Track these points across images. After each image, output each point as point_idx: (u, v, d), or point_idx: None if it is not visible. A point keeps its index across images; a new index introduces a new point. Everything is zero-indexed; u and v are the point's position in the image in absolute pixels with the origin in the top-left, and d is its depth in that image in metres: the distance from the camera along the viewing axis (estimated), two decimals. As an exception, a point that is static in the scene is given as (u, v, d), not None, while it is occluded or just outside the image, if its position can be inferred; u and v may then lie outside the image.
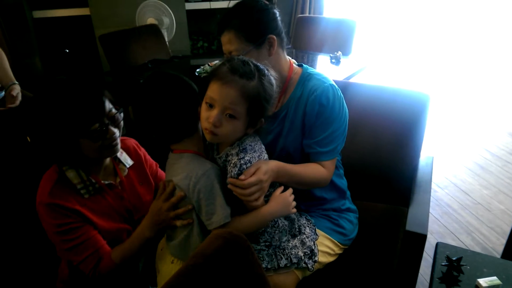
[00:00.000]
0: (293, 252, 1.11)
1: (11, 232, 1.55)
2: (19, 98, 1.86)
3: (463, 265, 1.08)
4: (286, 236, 1.14)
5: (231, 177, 0.99)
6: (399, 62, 4.97)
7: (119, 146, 1.14)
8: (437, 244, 1.17)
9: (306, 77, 1.22)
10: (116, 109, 1.11)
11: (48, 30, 3.81)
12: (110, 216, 1.18)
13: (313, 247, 1.16)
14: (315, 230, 1.22)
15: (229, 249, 0.75)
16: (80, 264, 1.11)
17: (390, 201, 1.59)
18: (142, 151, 1.35)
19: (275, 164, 1.06)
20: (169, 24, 3.44)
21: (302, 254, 1.12)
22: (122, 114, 1.13)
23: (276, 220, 1.11)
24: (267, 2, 1.19)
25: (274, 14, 1.18)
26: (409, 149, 1.54)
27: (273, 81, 1.02)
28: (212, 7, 3.97)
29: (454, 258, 1.08)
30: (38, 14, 3.67)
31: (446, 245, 1.16)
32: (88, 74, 1.13)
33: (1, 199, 1.57)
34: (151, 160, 1.39)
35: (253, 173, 0.97)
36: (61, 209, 1.06)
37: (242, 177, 0.97)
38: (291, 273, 1.12)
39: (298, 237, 1.16)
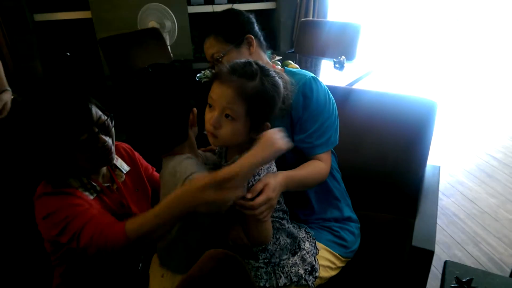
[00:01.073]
0: (293, 270, 1.06)
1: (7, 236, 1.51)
2: (7, 108, 1.81)
3: (474, 287, 1.02)
4: (286, 254, 1.09)
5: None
6: (404, 67, 4.92)
7: (113, 154, 1.10)
8: (445, 263, 1.12)
9: (288, 74, 1.18)
10: (106, 115, 1.06)
11: (49, 33, 3.79)
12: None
13: (314, 263, 1.11)
14: (315, 244, 1.17)
15: (223, 270, 0.70)
16: (80, 239, 0.95)
17: (394, 212, 1.54)
18: (136, 155, 1.32)
19: (282, 176, 1.01)
20: (171, 28, 3.40)
21: (302, 272, 1.07)
22: (112, 121, 1.08)
23: (278, 237, 1.06)
24: (242, 11, 1.28)
25: (250, 17, 1.26)
26: (415, 158, 1.48)
27: (279, 83, 0.98)
28: (215, 10, 3.94)
29: (464, 280, 1.02)
30: (39, 17, 3.65)
31: (455, 264, 1.10)
32: (73, 81, 1.08)
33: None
34: (146, 163, 1.35)
35: (262, 190, 0.92)
36: (66, 194, 1.01)
37: (249, 195, 0.91)
38: None
39: (298, 254, 1.11)
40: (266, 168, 0.99)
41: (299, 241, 1.14)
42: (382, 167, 1.54)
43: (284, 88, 1.01)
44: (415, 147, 1.49)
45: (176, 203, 0.87)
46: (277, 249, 1.06)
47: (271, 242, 1.05)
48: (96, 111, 1.03)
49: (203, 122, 0.99)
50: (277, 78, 0.98)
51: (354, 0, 4.48)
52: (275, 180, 0.97)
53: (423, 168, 1.50)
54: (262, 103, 0.94)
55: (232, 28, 1.21)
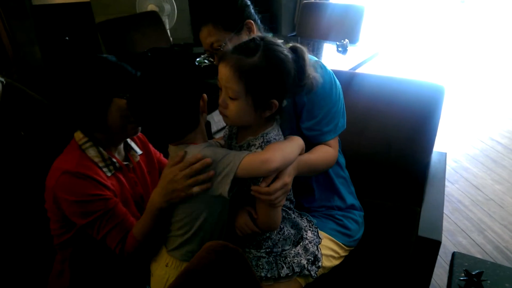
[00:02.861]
0: (296, 261, 1.03)
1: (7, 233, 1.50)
2: None
3: (484, 280, 0.98)
4: (289, 245, 1.06)
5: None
6: (408, 50, 4.83)
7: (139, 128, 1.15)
8: (453, 255, 1.09)
9: None
10: None
11: (47, 17, 3.71)
12: (127, 200, 1.16)
13: (316, 252, 1.08)
14: (318, 233, 1.14)
15: (222, 263, 0.67)
16: (106, 238, 1.06)
17: (400, 200, 1.50)
18: (145, 141, 1.34)
19: (295, 161, 0.99)
20: (170, 11, 3.33)
21: (305, 262, 1.04)
22: None
23: (282, 227, 1.04)
24: None
25: (245, 1, 1.19)
26: (422, 144, 1.44)
27: (284, 58, 0.92)
28: (215, -7, 3.85)
29: (473, 273, 0.99)
30: (37, 1, 3.58)
31: (463, 256, 1.07)
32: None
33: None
34: (154, 149, 1.37)
35: (276, 175, 0.93)
36: (91, 179, 1.04)
37: (263, 184, 0.91)
38: (293, 281, 1.05)
39: (301, 244, 1.08)
40: None
41: (301, 230, 1.12)
42: (387, 154, 1.50)
43: (299, 64, 0.96)
44: (421, 133, 1.45)
45: (159, 194, 0.98)
46: (281, 239, 1.04)
47: (275, 231, 1.04)
48: None
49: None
50: (283, 53, 0.93)
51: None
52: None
53: (429, 154, 1.46)
54: (262, 80, 0.90)
55: (231, 15, 1.15)
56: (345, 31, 2.96)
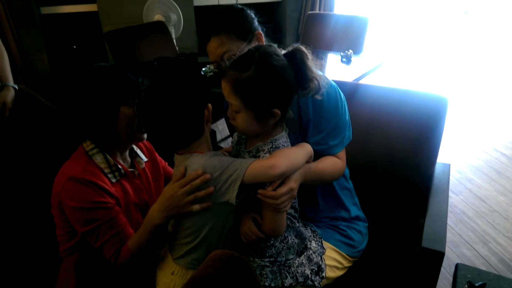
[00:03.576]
0: (300, 270, 1.04)
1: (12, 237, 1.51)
2: (8, 106, 1.79)
3: (487, 291, 0.99)
4: (293, 254, 1.07)
5: None
6: (412, 61, 4.85)
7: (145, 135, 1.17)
8: (456, 266, 1.09)
9: None
10: None
11: (55, 26, 3.77)
12: (131, 206, 1.17)
13: (320, 263, 1.09)
14: (322, 243, 1.15)
15: (228, 272, 0.68)
16: (103, 247, 1.08)
17: (403, 211, 1.51)
18: (151, 149, 1.37)
19: (301, 167, 1.01)
20: (176, 21, 3.37)
21: (309, 272, 1.05)
22: None
23: (286, 236, 1.05)
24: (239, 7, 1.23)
25: (252, 14, 1.21)
26: (425, 155, 1.45)
27: (279, 68, 0.93)
28: (220, 3, 3.91)
29: (477, 284, 1.00)
30: (46, 10, 3.64)
31: (467, 267, 1.08)
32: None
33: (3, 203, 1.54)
34: (159, 157, 1.39)
35: (283, 180, 0.95)
36: (96, 186, 1.05)
37: (269, 188, 0.94)
38: None
39: (305, 254, 1.09)
40: None
41: (306, 240, 1.12)
42: (390, 164, 1.51)
43: (298, 69, 0.97)
44: (425, 144, 1.46)
45: (157, 210, 1.00)
46: (284, 248, 1.05)
47: (279, 239, 1.05)
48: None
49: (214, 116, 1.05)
50: (279, 62, 0.94)
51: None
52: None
53: (433, 166, 1.47)
54: (257, 93, 0.93)
55: (244, 24, 1.16)
56: (349, 41, 2.99)
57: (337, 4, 4.15)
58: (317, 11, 4.01)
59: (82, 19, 3.77)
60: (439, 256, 1.00)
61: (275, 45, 1.10)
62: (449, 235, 2.11)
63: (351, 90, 1.58)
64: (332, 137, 1.12)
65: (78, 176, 1.04)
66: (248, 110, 0.94)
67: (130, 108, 1.08)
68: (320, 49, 3.09)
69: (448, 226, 2.16)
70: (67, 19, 3.77)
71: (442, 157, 1.47)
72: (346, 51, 2.58)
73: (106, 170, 1.11)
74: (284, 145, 1.01)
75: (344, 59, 2.58)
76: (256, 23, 1.20)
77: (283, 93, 0.95)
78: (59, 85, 3.74)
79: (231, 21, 1.15)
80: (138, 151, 1.26)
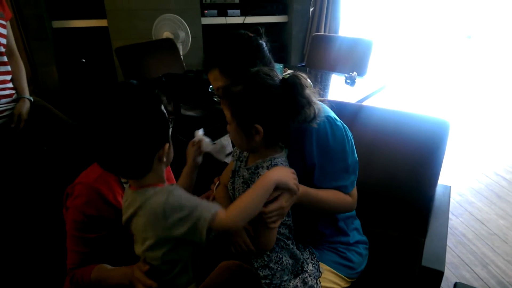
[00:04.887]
0: None
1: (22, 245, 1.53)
2: (24, 118, 1.85)
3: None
4: (288, 275, 1.08)
5: None
6: (415, 84, 4.92)
7: None
8: (455, 285, 1.11)
9: None
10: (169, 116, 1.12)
11: (66, 40, 3.87)
12: None
13: (315, 286, 1.09)
14: (319, 267, 1.15)
15: (236, 281, 0.71)
16: (72, 253, 1.11)
17: (403, 230, 1.53)
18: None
19: (301, 188, 1.03)
20: (184, 38, 3.46)
21: None
22: (171, 123, 1.13)
23: (281, 257, 1.07)
24: (251, 35, 1.17)
25: (259, 46, 1.16)
26: (426, 178, 1.48)
27: (266, 87, 0.97)
28: (228, 22, 4.00)
29: (474, 302, 1.02)
30: (57, 24, 3.73)
31: (465, 286, 1.10)
32: (149, 81, 1.14)
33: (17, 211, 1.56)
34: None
35: (276, 197, 0.96)
36: (101, 198, 1.08)
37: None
38: None
39: (300, 276, 1.10)
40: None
41: (302, 263, 1.13)
42: (392, 185, 1.53)
43: (289, 94, 0.98)
44: (426, 166, 1.48)
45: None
46: (279, 269, 1.06)
47: (274, 261, 1.06)
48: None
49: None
50: (268, 82, 0.98)
51: (366, 16, 4.51)
52: None
53: (434, 188, 1.49)
54: (242, 105, 0.99)
55: (238, 63, 1.11)
56: (354, 63, 3.05)
57: (342, 26, 4.25)
58: (322, 33, 4.11)
59: (92, 34, 3.87)
60: (439, 275, 1.02)
61: (281, 66, 1.13)
62: (449, 256, 2.12)
63: (355, 112, 1.62)
64: (341, 178, 1.11)
65: (90, 182, 1.09)
66: (234, 121, 1.01)
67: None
68: (325, 69, 3.16)
69: (448, 248, 2.18)
70: (77, 34, 3.86)
71: (443, 179, 1.50)
72: (351, 73, 2.64)
73: (123, 180, 1.15)
74: (283, 164, 1.04)
75: (348, 81, 2.63)
76: (261, 55, 1.15)
77: (266, 110, 0.98)
78: (69, 97, 3.80)
79: (227, 58, 1.13)
80: None
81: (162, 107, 0.92)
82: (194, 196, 0.93)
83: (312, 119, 1.00)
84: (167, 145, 0.93)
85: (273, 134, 1.02)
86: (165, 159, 0.94)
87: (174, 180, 1.42)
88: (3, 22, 1.79)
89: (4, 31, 1.79)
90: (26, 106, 1.87)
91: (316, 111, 1.00)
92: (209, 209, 0.88)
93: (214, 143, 1.20)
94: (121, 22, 3.67)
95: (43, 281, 1.46)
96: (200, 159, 1.20)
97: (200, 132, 1.20)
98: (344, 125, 1.14)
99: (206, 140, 1.19)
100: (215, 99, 1.27)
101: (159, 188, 0.93)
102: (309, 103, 0.99)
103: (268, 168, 1.02)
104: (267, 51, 1.18)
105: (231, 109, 1.00)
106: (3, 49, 1.79)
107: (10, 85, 1.86)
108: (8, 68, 1.84)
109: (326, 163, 1.09)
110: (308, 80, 1.04)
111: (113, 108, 0.86)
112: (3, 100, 1.80)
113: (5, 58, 1.81)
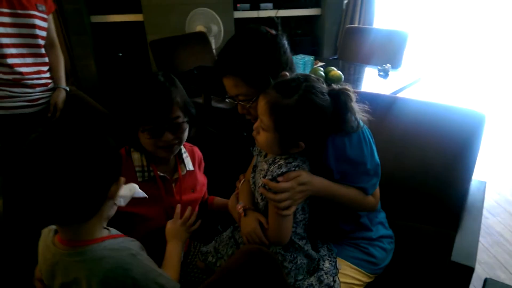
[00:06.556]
0: None
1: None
2: (59, 107, 1.94)
3: (515, 306, 0.97)
4: (302, 274, 1.07)
5: (272, 176, 0.96)
6: (452, 77, 4.73)
7: (175, 150, 1.20)
8: (485, 280, 1.07)
9: None
10: (185, 118, 1.15)
11: (103, 34, 4.00)
12: (154, 204, 1.20)
13: (332, 283, 1.06)
14: (336, 264, 1.11)
15: (256, 266, 0.72)
16: None
17: (434, 224, 1.49)
18: (202, 166, 1.42)
19: (319, 181, 1.01)
20: (217, 32, 3.49)
21: None
22: (187, 124, 1.17)
23: (295, 256, 1.07)
24: (273, 33, 1.08)
25: (280, 48, 1.07)
26: (460, 172, 1.43)
27: (320, 107, 0.93)
28: (260, 15, 4.00)
29: (505, 298, 0.98)
30: (96, 19, 3.86)
31: (496, 283, 1.06)
32: (172, 79, 1.15)
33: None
34: (203, 176, 1.44)
35: (292, 179, 0.95)
36: None
37: (280, 178, 0.96)
38: None
39: (316, 274, 1.08)
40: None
41: (319, 260, 1.11)
42: (424, 179, 1.49)
43: (338, 110, 0.96)
44: (460, 160, 1.44)
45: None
46: (293, 268, 1.05)
47: (288, 260, 1.05)
48: (175, 110, 1.11)
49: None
50: (321, 99, 0.94)
51: (402, 7, 4.37)
52: (310, 178, 0.99)
53: (468, 183, 1.44)
54: (292, 122, 0.94)
55: (261, 71, 1.04)
56: (388, 56, 2.97)
57: (376, 18, 4.15)
58: (356, 25, 4.03)
59: (128, 28, 3.98)
60: (469, 271, 0.99)
61: (312, 58, 1.10)
62: (484, 256, 2.04)
63: (388, 104, 1.59)
64: (361, 182, 1.06)
65: None
66: (276, 133, 0.96)
67: (143, 133, 1.11)
68: (358, 62, 3.10)
69: (483, 247, 2.10)
70: (114, 28, 3.99)
71: (480, 175, 1.44)
72: (384, 65, 2.58)
73: (137, 168, 1.19)
74: (302, 159, 1.02)
75: (381, 73, 2.58)
76: (281, 61, 1.07)
77: (314, 131, 0.97)
78: (106, 90, 3.94)
79: (247, 66, 1.04)
80: (187, 160, 1.31)
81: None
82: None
83: (351, 131, 1.00)
84: (121, 179, 0.83)
85: (312, 148, 1.00)
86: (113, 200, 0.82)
87: (206, 184, 1.42)
88: (45, 16, 1.88)
89: (44, 24, 1.88)
90: (61, 95, 1.96)
91: (356, 126, 0.99)
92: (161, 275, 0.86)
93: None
94: (156, 16, 3.75)
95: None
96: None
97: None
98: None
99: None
100: (227, 100, 1.19)
101: (107, 246, 0.78)
102: (355, 118, 0.99)
103: (286, 159, 0.98)
104: (288, 46, 1.11)
105: (275, 123, 0.95)
106: (41, 42, 1.87)
107: (46, 75, 1.94)
108: (45, 59, 1.92)
109: (345, 169, 1.04)
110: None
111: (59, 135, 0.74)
112: (38, 89, 1.88)
113: (42, 50, 1.90)
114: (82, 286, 0.77)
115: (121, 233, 0.91)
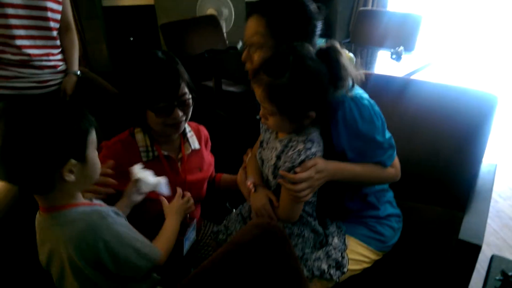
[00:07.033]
0: (316, 265, 1.06)
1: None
2: (68, 92, 1.95)
3: (520, 281, 0.98)
4: (309, 248, 1.09)
5: (293, 164, 0.97)
6: (465, 61, 4.64)
7: (182, 127, 1.22)
8: (492, 257, 1.08)
9: None
10: (191, 94, 1.18)
11: (115, 18, 4.01)
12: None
13: (340, 259, 1.08)
14: (344, 240, 1.13)
15: (265, 239, 0.74)
16: None
17: (444, 205, 1.49)
18: (209, 145, 1.44)
19: (333, 166, 1.02)
20: (228, 15, 3.48)
21: (326, 267, 1.06)
22: (193, 101, 1.20)
23: (302, 229, 1.08)
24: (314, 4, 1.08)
25: (311, 15, 1.06)
26: (471, 154, 1.42)
27: (315, 72, 0.92)
28: (272, -1, 3.95)
29: (510, 273, 0.99)
30: (107, 2, 3.88)
31: (502, 259, 1.07)
32: (173, 57, 1.17)
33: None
34: (211, 155, 1.46)
35: (309, 168, 0.96)
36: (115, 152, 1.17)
37: (298, 169, 0.96)
38: (313, 283, 1.07)
39: (324, 249, 1.10)
40: (320, 150, 1.01)
41: (327, 236, 1.13)
42: (434, 161, 1.49)
43: (332, 69, 0.95)
44: (471, 142, 1.43)
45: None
46: (300, 241, 1.07)
47: (295, 233, 1.07)
48: (184, 88, 1.14)
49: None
50: (313, 67, 0.92)
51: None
52: (325, 164, 0.99)
53: (478, 165, 1.44)
54: (294, 100, 0.93)
55: (288, 27, 1.03)
56: (401, 39, 2.93)
57: (390, 1, 4.07)
58: (369, 8, 3.96)
59: (139, 12, 3.99)
60: (475, 249, 1.00)
61: (323, 40, 1.08)
62: (493, 238, 2.04)
63: (400, 86, 1.58)
64: (376, 156, 1.06)
65: (111, 142, 1.19)
66: (283, 116, 0.96)
67: (153, 112, 1.13)
68: (370, 45, 3.07)
69: (493, 229, 2.10)
70: (126, 12, 3.99)
71: (491, 158, 1.43)
72: (397, 48, 2.55)
73: (141, 148, 1.21)
74: (318, 137, 1.01)
75: (394, 56, 2.55)
76: (309, 27, 1.07)
77: (318, 97, 0.95)
78: (118, 74, 3.97)
79: (279, 17, 1.03)
80: (192, 138, 1.32)
81: (84, 123, 0.83)
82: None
83: (349, 89, 0.98)
84: (71, 162, 0.80)
85: (321, 113, 1.00)
86: (73, 177, 0.80)
87: (213, 164, 1.44)
88: None
89: (57, 7, 1.87)
90: (71, 81, 1.96)
91: (359, 78, 0.99)
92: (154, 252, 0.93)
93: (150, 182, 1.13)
94: (167, 0, 3.74)
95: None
96: (138, 197, 1.14)
97: (136, 169, 1.12)
98: (371, 101, 1.05)
99: (145, 179, 1.11)
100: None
101: (79, 211, 0.83)
102: (349, 74, 0.97)
103: (304, 142, 0.98)
104: (318, 20, 1.09)
105: (278, 107, 0.93)
106: (53, 24, 1.86)
107: (56, 57, 1.92)
108: (56, 42, 1.91)
109: (358, 146, 1.04)
110: (349, 53, 1.01)
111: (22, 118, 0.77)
112: (47, 70, 1.88)
113: (54, 33, 1.88)
114: (61, 252, 0.81)
115: (105, 204, 0.94)
